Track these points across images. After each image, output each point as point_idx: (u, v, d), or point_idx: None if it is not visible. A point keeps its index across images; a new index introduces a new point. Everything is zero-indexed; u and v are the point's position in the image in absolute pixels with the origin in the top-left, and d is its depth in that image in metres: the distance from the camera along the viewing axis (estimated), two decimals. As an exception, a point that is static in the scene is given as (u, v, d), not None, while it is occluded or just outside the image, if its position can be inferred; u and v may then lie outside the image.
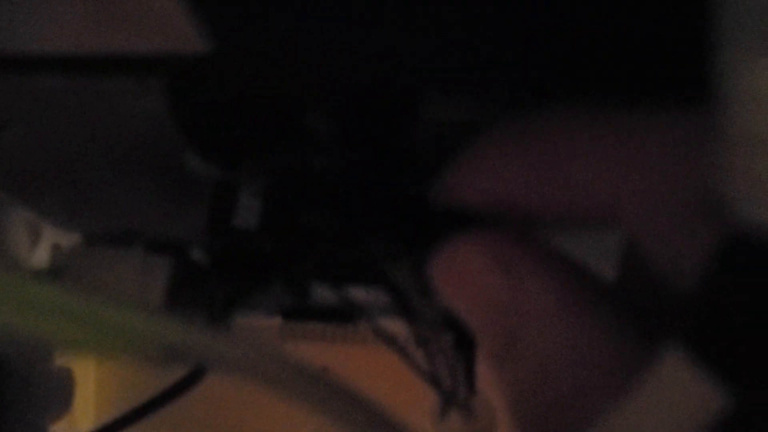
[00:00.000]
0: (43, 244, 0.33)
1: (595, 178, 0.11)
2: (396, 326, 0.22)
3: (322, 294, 0.24)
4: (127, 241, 0.20)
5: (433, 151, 0.17)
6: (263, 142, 0.18)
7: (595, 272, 0.13)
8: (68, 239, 0.33)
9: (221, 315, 0.21)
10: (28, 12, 0.14)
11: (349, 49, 0.14)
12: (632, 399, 0.09)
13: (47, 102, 0.19)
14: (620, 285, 0.14)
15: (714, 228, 0.08)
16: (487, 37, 0.13)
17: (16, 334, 0.10)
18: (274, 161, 0.18)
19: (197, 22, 0.13)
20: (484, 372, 0.27)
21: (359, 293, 0.20)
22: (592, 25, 0.12)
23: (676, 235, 0.10)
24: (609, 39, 0.12)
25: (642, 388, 0.09)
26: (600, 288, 0.13)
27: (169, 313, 0.11)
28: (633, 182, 0.11)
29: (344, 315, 0.28)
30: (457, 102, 0.16)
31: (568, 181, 0.12)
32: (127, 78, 0.17)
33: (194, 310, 0.21)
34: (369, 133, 0.17)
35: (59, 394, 0.39)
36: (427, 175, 0.16)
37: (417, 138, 0.17)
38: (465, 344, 0.24)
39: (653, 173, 0.10)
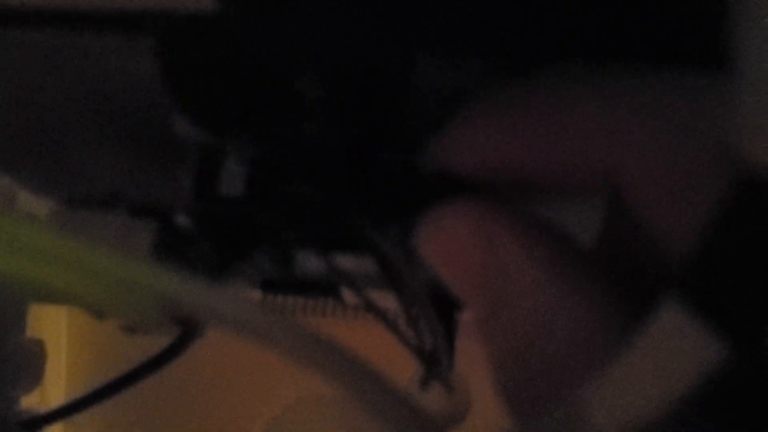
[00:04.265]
0: (16, 212, 0.32)
1: (593, 139, 0.11)
2: (381, 298, 0.22)
3: (305, 266, 0.24)
4: (110, 205, 0.20)
5: (424, 118, 0.17)
6: (253, 107, 0.17)
7: (577, 239, 0.13)
8: (44, 207, 0.33)
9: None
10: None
11: (341, 13, 0.14)
12: (629, 353, 0.09)
13: (29, 59, 0.18)
14: (601, 252, 0.15)
15: (720, 186, 0.08)
16: (480, 1, 0.13)
17: (7, 278, 0.10)
18: (263, 127, 0.18)
19: None
20: (462, 347, 0.27)
21: (346, 263, 0.20)
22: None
23: (680, 195, 0.10)
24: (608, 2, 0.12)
25: (639, 342, 0.09)
26: (581, 255, 0.13)
27: (169, 268, 0.11)
28: (635, 143, 0.11)
29: (325, 288, 0.28)
30: (449, 68, 0.16)
31: (564, 144, 0.12)
32: (115, 35, 0.16)
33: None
34: (359, 100, 0.17)
35: (30, 367, 0.38)
36: (417, 142, 0.16)
37: (407, 105, 0.17)
38: (446, 317, 0.24)
39: (657, 133, 0.10)
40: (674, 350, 0.08)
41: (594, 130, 0.11)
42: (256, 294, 0.29)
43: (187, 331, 0.27)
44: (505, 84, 0.14)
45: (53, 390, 0.40)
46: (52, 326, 0.42)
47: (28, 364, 0.38)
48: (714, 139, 0.09)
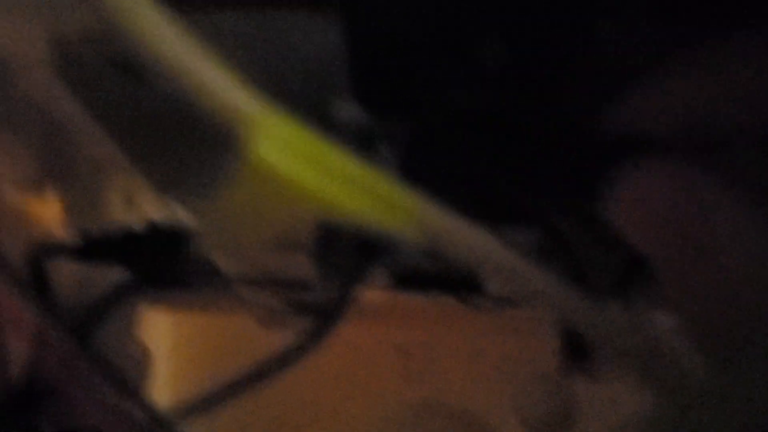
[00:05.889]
0: (134, 214, 0.33)
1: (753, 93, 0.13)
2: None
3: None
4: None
5: (600, 83, 0.17)
6: (430, 78, 0.18)
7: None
8: (160, 213, 0.33)
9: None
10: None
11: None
12: None
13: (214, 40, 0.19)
14: None
15: None
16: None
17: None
18: (434, 99, 0.18)
19: None
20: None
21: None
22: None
23: None
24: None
25: None
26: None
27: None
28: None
29: (461, 285, 0.28)
30: (630, 27, 0.16)
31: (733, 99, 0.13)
32: (299, 14, 0.17)
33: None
34: (540, 67, 0.17)
35: (135, 371, 0.39)
36: (591, 108, 0.16)
37: (585, 70, 0.17)
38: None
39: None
40: None
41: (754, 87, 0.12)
42: (380, 296, 0.29)
43: (318, 327, 0.27)
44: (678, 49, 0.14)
45: (158, 397, 0.40)
46: (158, 333, 0.43)
47: (133, 368, 0.39)
48: None
